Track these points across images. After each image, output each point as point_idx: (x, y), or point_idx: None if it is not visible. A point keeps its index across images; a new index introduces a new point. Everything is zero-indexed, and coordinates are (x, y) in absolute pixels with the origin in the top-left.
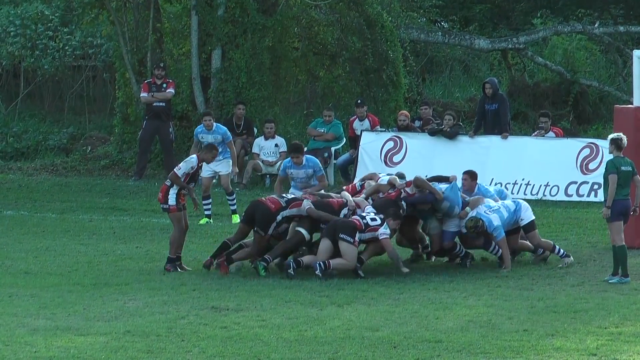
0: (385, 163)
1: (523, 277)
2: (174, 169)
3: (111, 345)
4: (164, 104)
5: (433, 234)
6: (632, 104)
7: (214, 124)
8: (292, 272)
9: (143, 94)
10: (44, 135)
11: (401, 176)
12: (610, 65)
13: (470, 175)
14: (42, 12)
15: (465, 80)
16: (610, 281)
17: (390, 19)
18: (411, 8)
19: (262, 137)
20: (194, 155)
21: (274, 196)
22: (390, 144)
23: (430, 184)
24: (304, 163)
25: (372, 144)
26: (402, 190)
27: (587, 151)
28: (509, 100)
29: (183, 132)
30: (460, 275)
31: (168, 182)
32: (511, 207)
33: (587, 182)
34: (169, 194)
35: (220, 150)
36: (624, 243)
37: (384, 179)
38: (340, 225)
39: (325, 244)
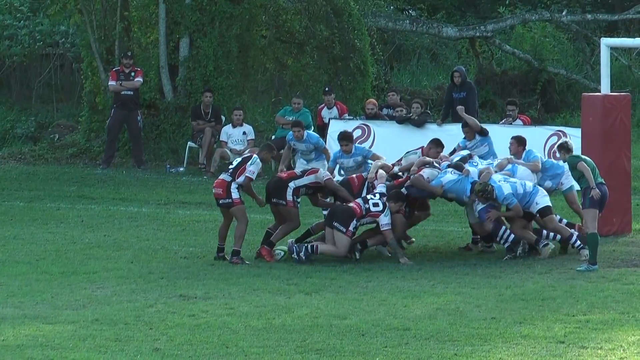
0: None
1: (491, 265)
2: (246, 174)
3: (79, 333)
4: (132, 93)
5: (472, 223)
6: (599, 92)
7: (305, 132)
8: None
9: (111, 83)
10: (12, 124)
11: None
12: (578, 53)
13: (518, 140)
14: (11, 4)
15: (433, 68)
16: (577, 269)
17: (357, 7)
18: None
19: (230, 125)
20: (256, 156)
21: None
22: (358, 132)
23: (446, 169)
24: (352, 151)
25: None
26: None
27: (554, 139)
28: (477, 89)
29: (151, 120)
30: (428, 263)
31: (228, 178)
32: (528, 188)
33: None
34: (230, 189)
35: (314, 156)
36: (596, 231)
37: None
38: (338, 213)
39: (329, 232)
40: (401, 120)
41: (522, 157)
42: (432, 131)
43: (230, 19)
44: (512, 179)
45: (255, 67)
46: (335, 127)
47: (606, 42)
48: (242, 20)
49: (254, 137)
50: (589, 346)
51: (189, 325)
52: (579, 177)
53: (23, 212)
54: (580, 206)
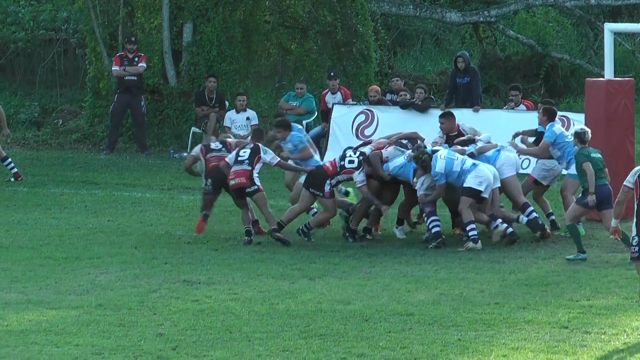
0: (357, 136)
1: (494, 250)
2: (272, 160)
3: (83, 318)
4: (135, 78)
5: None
6: (603, 77)
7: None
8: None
9: (115, 68)
10: (15, 109)
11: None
12: (582, 38)
13: (544, 110)
14: None
15: (437, 53)
16: (567, 258)
17: None
18: None
19: (234, 110)
20: (259, 144)
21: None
22: (362, 117)
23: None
24: (288, 138)
25: (343, 117)
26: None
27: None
28: (481, 74)
29: (155, 105)
30: (431, 248)
31: (248, 167)
32: (466, 167)
33: None
34: (253, 177)
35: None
36: (571, 223)
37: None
38: (311, 180)
39: (304, 194)
40: (405, 106)
41: (546, 127)
42: (436, 116)
43: (233, 4)
44: (458, 157)
45: (259, 52)
46: (339, 112)
47: (610, 27)
48: (246, 6)
49: (257, 123)
50: (592, 331)
51: (192, 311)
52: (582, 174)
53: (27, 198)
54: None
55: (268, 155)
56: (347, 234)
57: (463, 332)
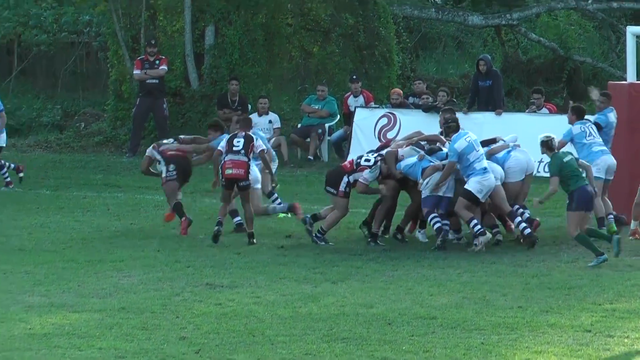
0: (379, 139)
1: (517, 253)
2: (263, 147)
3: (106, 321)
4: (157, 81)
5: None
6: (625, 80)
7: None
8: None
9: (136, 71)
10: (38, 112)
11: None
12: (604, 41)
13: (572, 109)
14: None
15: (459, 56)
16: (589, 265)
17: None
18: None
19: (256, 113)
20: (251, 133)
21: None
22: (384, 121)
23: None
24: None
25: (365, 120)
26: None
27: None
28: (503, 77)
29: (177, 108)
30: (454, 252)
31: (245, 158)
32: (477, 166)
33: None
34: (249, 170)
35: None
36: (577, 232)
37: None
38: (327, 178)
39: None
40: (427, 109)
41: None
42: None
43: (255, 7)
44: (481, 150)
45: (281, 55)
46: (361, 115)
47: (632, 30)
48: (268, 8)
49: (280, 126)
50: (615, 335)
51: (215, 314)
52: (562, 182)
53: (49, 201)
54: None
55: (258, 142)
56: (370, 239)
57: (486, 335)
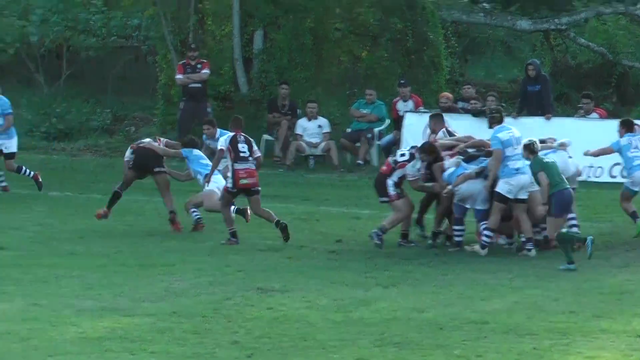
0: None
1: None
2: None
3: (158, 326)
4: (200, 85)
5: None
6: None
7: (218, 131)
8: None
9: (178, 76)
10: (87, 116)
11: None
12: None
13: (622, 122)
14: None
15: (508, 61)
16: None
17: (431, 0)
18: None
19: (305, 118)
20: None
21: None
22: None
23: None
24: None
25: (415, 125)
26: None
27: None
28: (552, 82)
29: (225, 112)
30: (505, 256)
31: (253, 166)
32: (511, 164)
33: None
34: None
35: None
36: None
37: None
38: (376, 189)
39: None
40: (476, 113)
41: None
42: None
43: (304, 12)
44: (519, 148)
45: (330, 59)
46: (411, 120)
47: None
48: (316, 13)
49: (329, 130)
50: None
51: (267, 318)
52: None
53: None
54: (626, 207)
55: (254, 144)
56: (430, 239)
57: (538, 340)
